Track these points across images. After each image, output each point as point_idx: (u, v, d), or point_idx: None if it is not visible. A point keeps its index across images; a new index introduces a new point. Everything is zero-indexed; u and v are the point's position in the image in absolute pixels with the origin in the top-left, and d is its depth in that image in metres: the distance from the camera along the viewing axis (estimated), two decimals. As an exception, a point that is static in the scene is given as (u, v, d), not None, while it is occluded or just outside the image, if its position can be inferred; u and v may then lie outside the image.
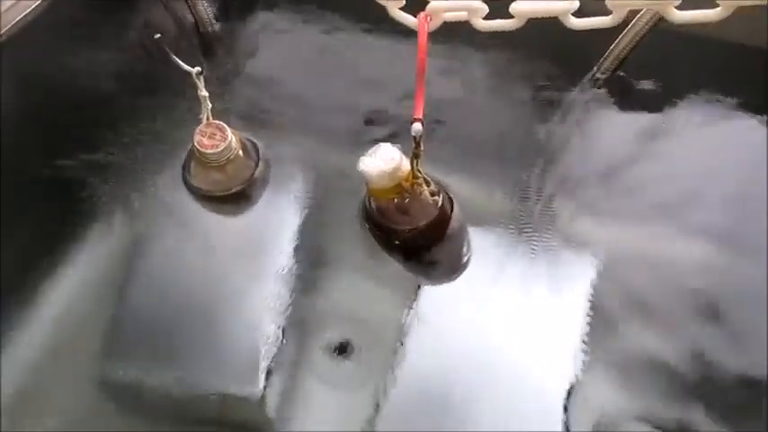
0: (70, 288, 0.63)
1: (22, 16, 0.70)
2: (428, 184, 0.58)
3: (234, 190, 0.66)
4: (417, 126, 0.51)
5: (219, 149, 0.62)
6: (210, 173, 0.65)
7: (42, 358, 0.59)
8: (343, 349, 0.59)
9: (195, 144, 0.62)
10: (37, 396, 0.58)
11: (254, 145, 0.69)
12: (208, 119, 0.64)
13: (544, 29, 0.76)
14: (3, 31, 0.68)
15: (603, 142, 0.70)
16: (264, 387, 0.57)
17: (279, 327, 0.60)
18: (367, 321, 0.61)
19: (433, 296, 0.62)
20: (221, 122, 0.64)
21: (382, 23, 0.77)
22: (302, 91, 0.75)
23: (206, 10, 0.79)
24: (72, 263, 0.64)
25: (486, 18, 0.52)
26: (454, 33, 0.73)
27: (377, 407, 0.56)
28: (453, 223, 0.62)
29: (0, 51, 0.68)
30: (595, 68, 0.72)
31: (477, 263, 0.63)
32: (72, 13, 0.75)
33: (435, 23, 0.52)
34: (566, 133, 0.70)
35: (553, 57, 0.74)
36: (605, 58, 0.71)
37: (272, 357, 0.58)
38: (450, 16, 0.52)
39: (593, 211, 0.65)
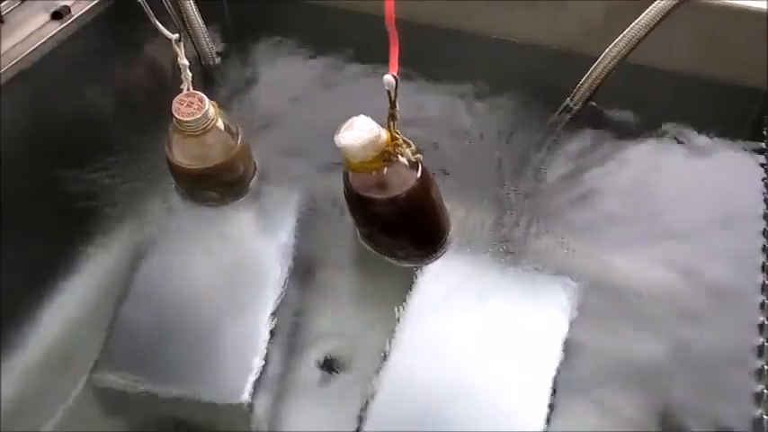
0: (68, 301, 0.64)
1: (28, 53, 0.75)
2: (408, 144, 0.54)
3: (213, 164, 0.65)
4: (389, 78, 0.47)
5: (195, 117, 0.62)
6: (188, 144, 0.64)
7: (38, 367, 0.60)
8: (330, 364, 0.59)
9: (173, 112, 0.62)
10: (32, 404, 0.58)
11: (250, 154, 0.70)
12: (188, 89, 0.64)
13: (519, 59, 0.81)
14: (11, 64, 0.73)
15: (576, 171, 0.71)
16: (252, 400, 0.56)
17: (267, 340, 0.59)
18: (354, 338, 0.61)
19: (419, 315, 0.61)
20: (200, 93, 0.63)
21: (378, 62, 0.81)
22: (299, 121, 0.78)
23: (208, 45, 0.84)
24: (70, 278, 0.65)
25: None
26: (427, 64, 0.78)
27: (361, 422, 0.54)
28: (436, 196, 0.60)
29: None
30: (568, 99, 0.75)
31: (458, 286, 0.62)
32: (79, 46, 0.79)
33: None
34: (540, 161, 0.72)
35: (527, 87, 0.77)
36: (578, 89, 0.74)
37: (260, 370, 0.58)
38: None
39: (568, 239, 0.65)
